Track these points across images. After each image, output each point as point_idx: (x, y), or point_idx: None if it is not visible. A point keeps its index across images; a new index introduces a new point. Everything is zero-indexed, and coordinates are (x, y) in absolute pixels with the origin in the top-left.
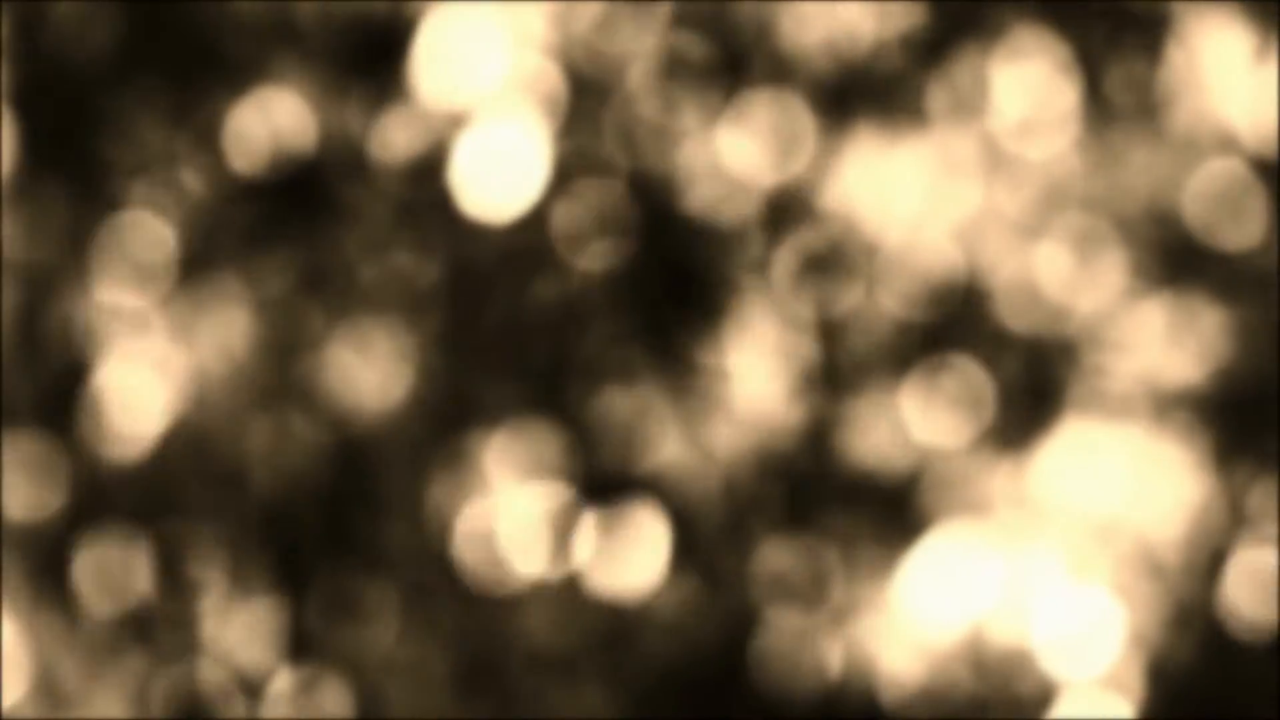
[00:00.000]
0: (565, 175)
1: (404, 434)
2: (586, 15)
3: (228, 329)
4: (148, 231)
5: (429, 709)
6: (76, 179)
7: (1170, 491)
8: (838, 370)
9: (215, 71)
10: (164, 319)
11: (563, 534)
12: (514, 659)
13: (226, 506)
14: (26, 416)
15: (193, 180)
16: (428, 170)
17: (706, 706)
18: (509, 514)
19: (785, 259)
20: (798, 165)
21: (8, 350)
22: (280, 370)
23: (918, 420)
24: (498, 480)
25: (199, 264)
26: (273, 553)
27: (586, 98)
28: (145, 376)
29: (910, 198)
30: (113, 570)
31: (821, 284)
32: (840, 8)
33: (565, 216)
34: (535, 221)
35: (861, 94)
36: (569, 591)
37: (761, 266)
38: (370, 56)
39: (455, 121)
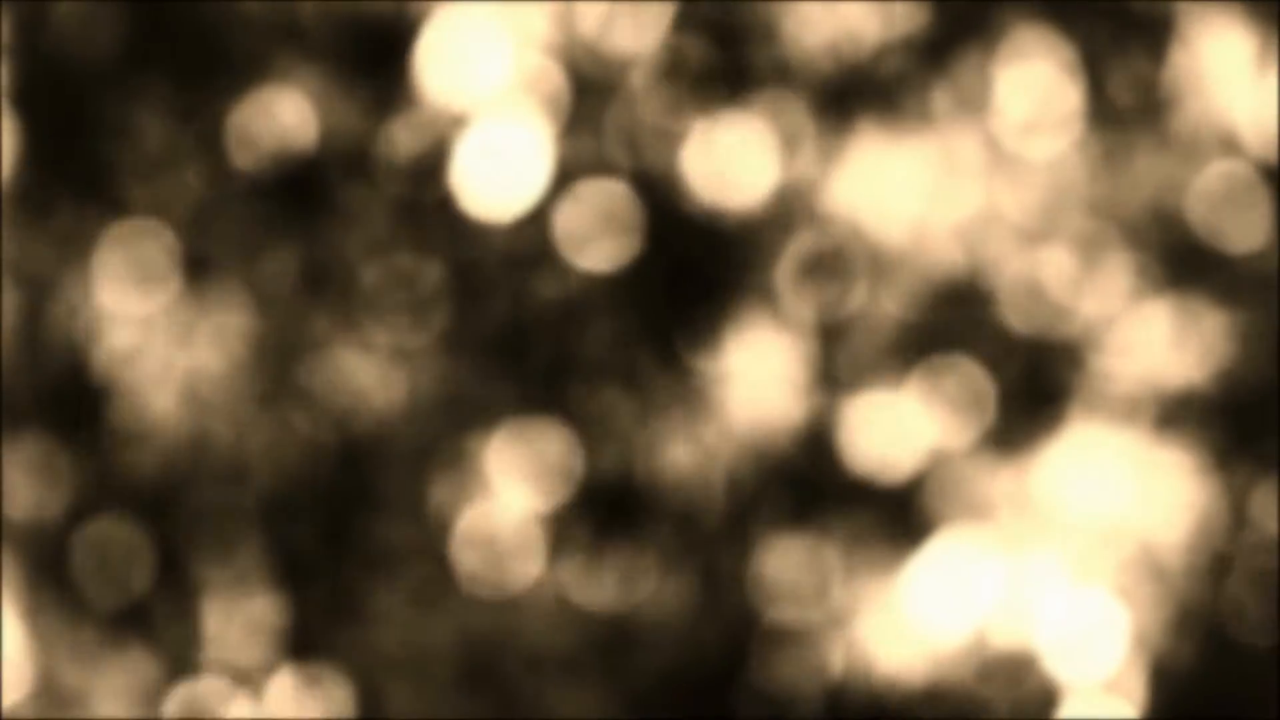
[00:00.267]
0: (567, 175)
1: (405, 434)
2: (589, 16)
3: (230, 328)
4: (150, 231)
5: (429, 708)
6: (79, 179)
7: (1173, 494)
8: (840, 371)
9: (218, 72)
10: (167, 319)
11: (563, 534)
12: (514, 659)
13: (228, 506)
14: (30, 416)
15: (195, 180)
16: (430, 170)
17: (707, 708)
18: (510, 514)
19: (788, 260)
20: (800, 166)
21: (11, 350)
22: (282, 370)
23: (920, 422)
24: (498, 480)
25: (201, 264)
26: (274, 552)
27: (589, 98)
28: (148, 376)
29: (913, 199)
30: (115, 569)
31: (824, 285)
32: (843, 8)
33: (567, 217)
34: (537, 221)
35: (864, 95)
36: (569, 592)
37: (764, 267)
38: (373, 57)
39: (457, 121)
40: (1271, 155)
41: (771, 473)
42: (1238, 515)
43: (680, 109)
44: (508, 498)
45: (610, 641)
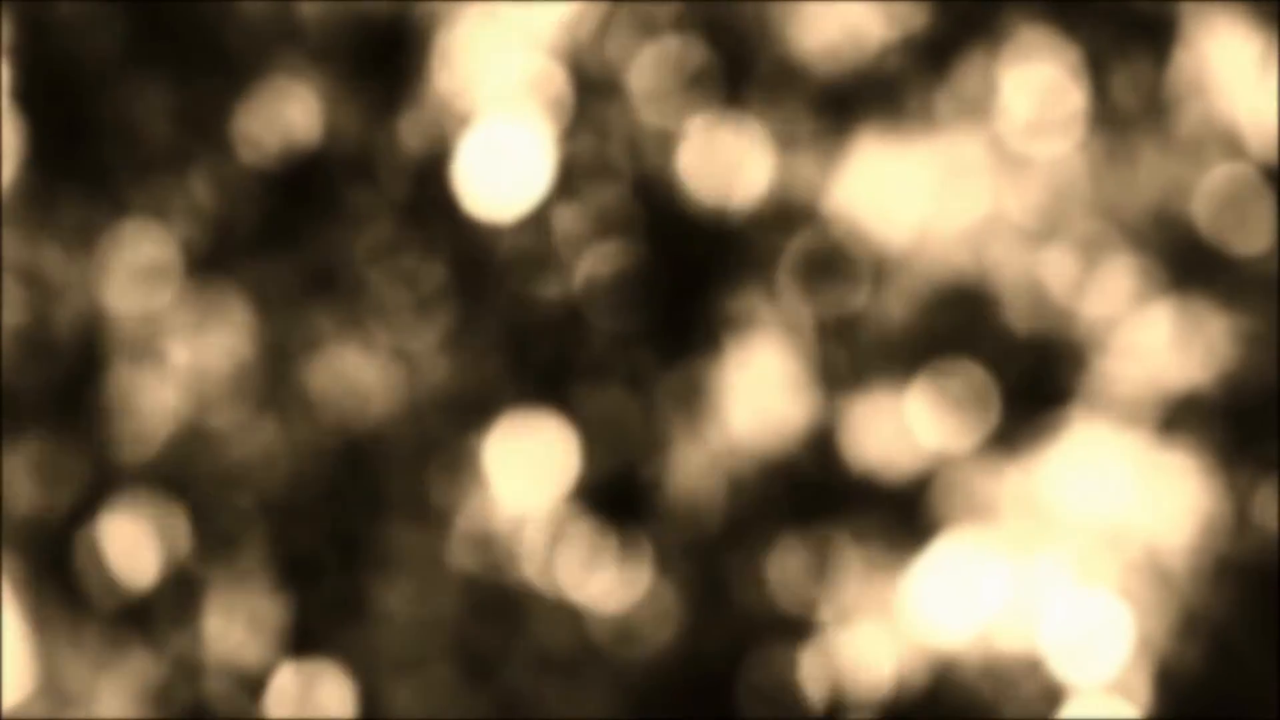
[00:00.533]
0: (570, 177)
1: (408, 434)
2: (592, 18)
3: (234, 329)
4: (154, 232)
5: (430, 707)
6: (83, 179)
7: (1177, 496)
8: (843, 373)
9: (222, 72)
10: (170, 319)
11: (565, 535)
12: (515, 658)
13: (231, 505)
14: (32, 415)
15: (199, 181)
16: (433, 171)
17: (710, 709)
18: (511, 514)
19: (791, 262)
20: (804, 168)
21: (15, 351)
22: (286, 370)
23: (924, 424)
24: (500, 480)
25: (205, 264)
26: (276, 551)
27: (592, 100)
28: (152, 376)
29: (917, 201)
30: (117, 568)
31: (827, 287)
32: (847, 10)
33: (570, 218)
34: (540, 223)
35: (868, 96)
36: (571, 591)
37: (767, 269)
38: (377, 58)
39: (461, 122)
40: (1275, 157)
41: (775, 474)
42: (1242, 517)
43: (682, 111)
44: (510, 498)
45: (612, 641)
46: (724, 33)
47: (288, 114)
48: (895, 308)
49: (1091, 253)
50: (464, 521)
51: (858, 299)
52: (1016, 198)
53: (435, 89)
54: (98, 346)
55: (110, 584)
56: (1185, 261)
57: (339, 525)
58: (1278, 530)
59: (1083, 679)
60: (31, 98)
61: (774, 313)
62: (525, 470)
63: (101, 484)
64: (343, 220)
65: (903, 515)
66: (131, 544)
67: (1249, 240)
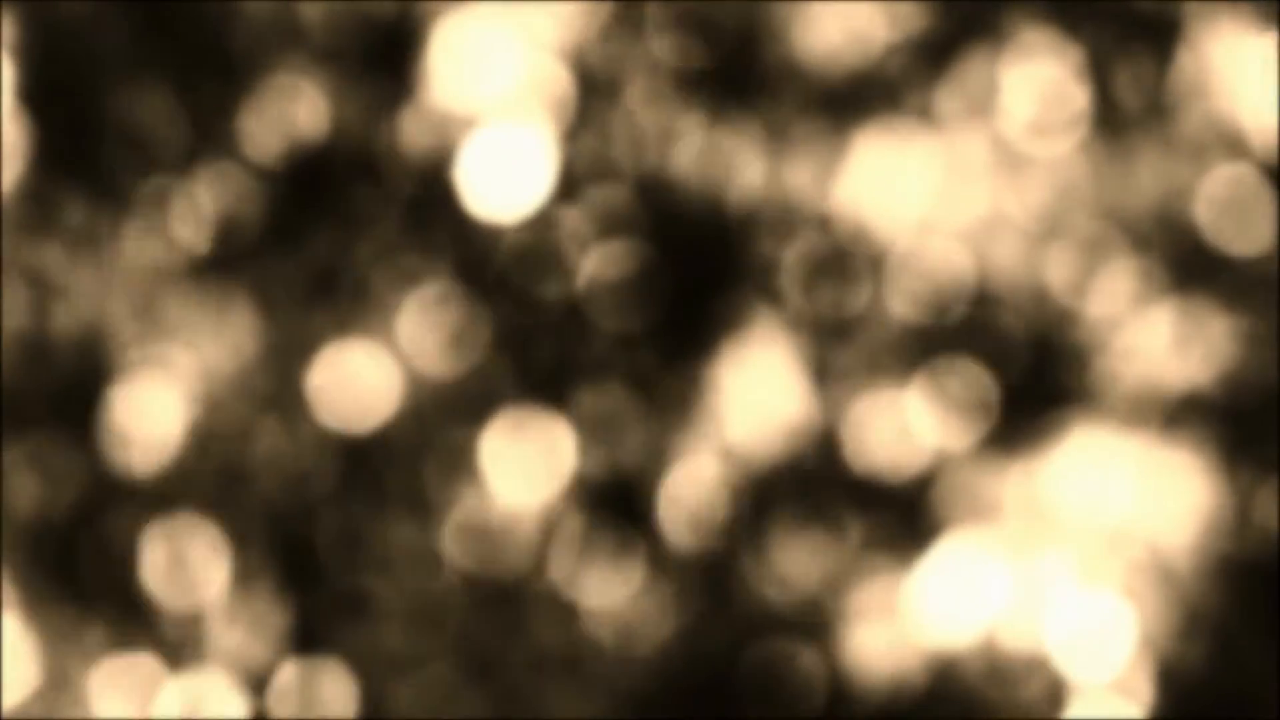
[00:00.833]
0: (573, 177)
1: (411, 434)
2: (596, 18)
3: (237, 329)
4: (157, 233)
5: (432, 706)
6: (87, 181)
7: (1179, 496)
8: (846, 373)
9: (225, 74)
10: (174, 319)
11: (568, 534)
12: (517, 657)
13: (234, 505)
14: (37, 416)
15: (203, 182)
16: (436, 172)
17: (711, 709)
18: (514, 514)
19: (793, 262)
20: (805, 168)
21: (19, 351)
22: (290, 370)
23: (926, 424)
24: (503, 480)
25: (208, 265)
26: (279, 550)
27: (595, 101)
28: (155, 377)
29: (919, 200)
30: (119, 568)
31: (830, 287)
32: (850, 10)
33: (572, 218)
34: (542, 223)
35: (869, 96)
36: (573, 591)
37: (769, 269)
38: (380, 59)
39: (464, 124)
40: (1276, 158)
41: (776, 474)
42: (1244, 516)
43: (684, 111)
44: (512, 498)
45: (613, 641)
46: (725, 33)
47: (291, 115)
48: (896, 307)
49: (1093, 253)
50: (466, 520)
51: (859, 299)
52: (1018, 198)
53: (438, 90)
54: (101, 347)
55: (112, 582)
56: (1187, 262)
57: (341, 524)
58: (1279, 529)
59: (1085, 678)
60: (35, 98)
61: (775, 312)
62: (528, 470)
63: (104, 483)
64: (346, 221)
65: (905, 515)
66: (135, 543)
67: (1250, 241)
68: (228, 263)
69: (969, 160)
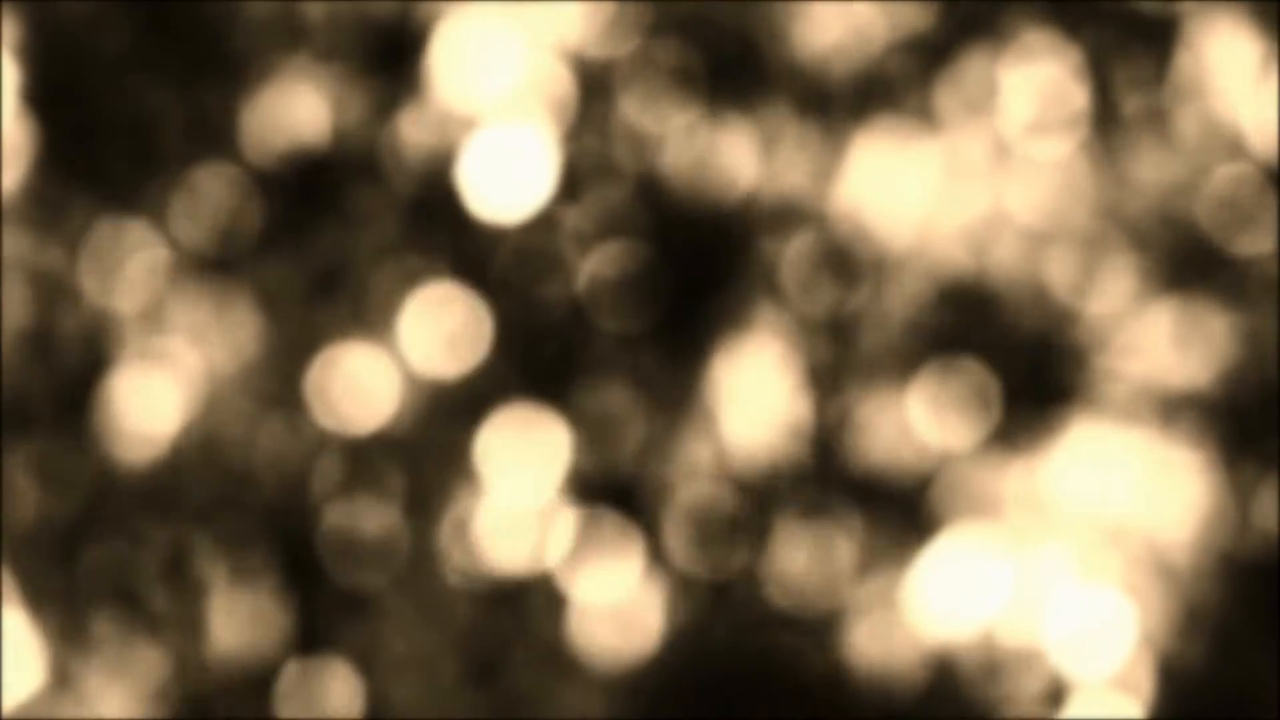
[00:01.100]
0: (574, 178)
1: (411, 434)
2: (596, 18)
3: (239, 328)
4: (159, 232)
5: (434, 705)
6: (89, 181)
7: (1179, 493)
8: (847, 372)
9: (227, 74)
10: (176, 318)
11: (570, 533)
12: (518, 656)
13: (235, 503)
14: (39, 415)
15: (205, 181)
16: (438, 172)
17: (711, 707)
18: (515, 513)
19: (794, 260)
20: (806, 168)
21: (21, 351)
22: (290, 370)
23: (927, 422)
24: (505, 479)
25: (210, 264)
26: (279, 550)
27: (595, 101)
28: (157, 376)
29: (919, 199)
30: (120, 567)
31: (830, 285)
32: (851, 10)
33: (574, 218)
34: (544, 223)
35: (871, 96)
36: (575, 589)
37: (770, 268)
38: (382, 59)
39: (465, 124)
40: (1275, 157)
41: (776, 472)
42: (1243, 513)
43: (684, 111)
44: (514, 496)
45: (614, 639)
46: (725, 33)
47: (293, 115)
48: (897, 306)
49: (1092, 251)
50: (467, 519)
51: (860, 298)
52: (1019, 197)
53: (440, 90)
54: (103, 346)
55: (114, 583)
56: (1187, 261)
57: (342, 524)
58: (1279, 527)
59: (1085, 674)
60: (37, 98)
61: (776, 312)
62: (530, 469)
63: (106, 482)
64: (347, 221)
65: (905, 512)
66: (138, 542)
67: (1249, 240)
68: (229, 262)
69: (969, 160)
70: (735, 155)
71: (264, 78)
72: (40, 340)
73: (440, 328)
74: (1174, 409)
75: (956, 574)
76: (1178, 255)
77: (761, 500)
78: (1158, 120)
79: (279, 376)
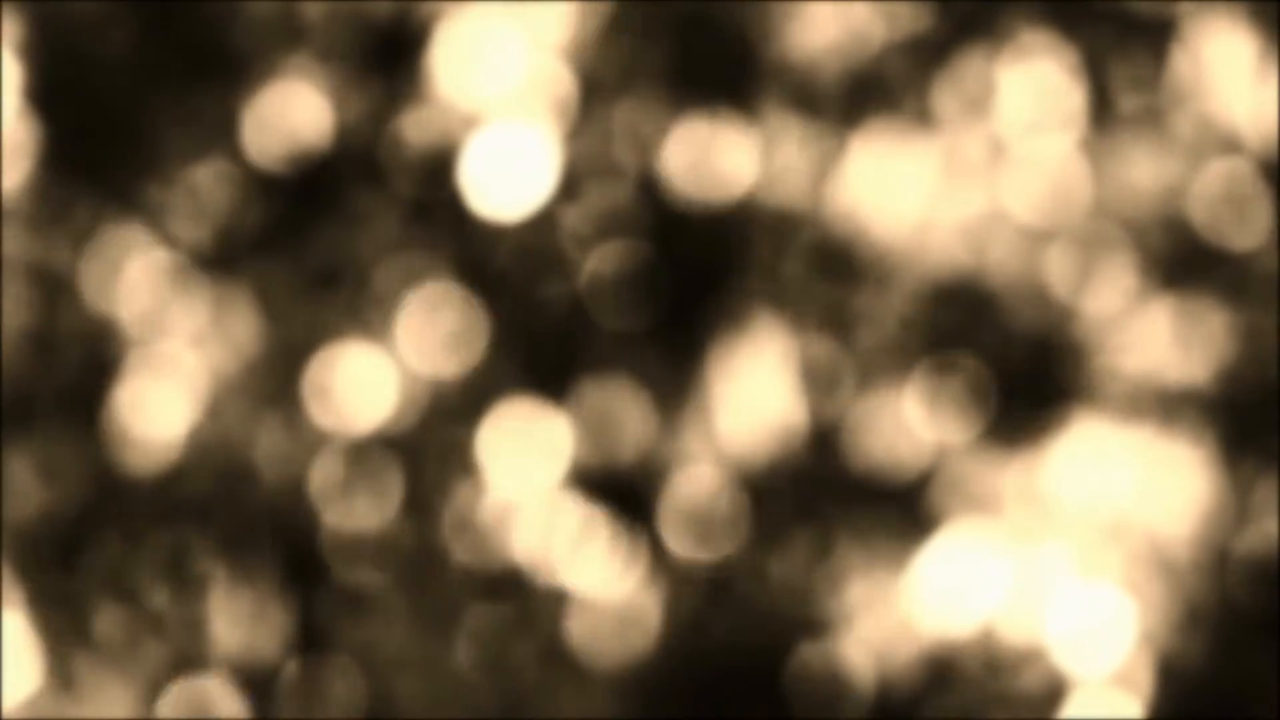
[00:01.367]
0: (575, 176)
1: (413, 432)
2: (596, 18)
3: (240, 327)
4: (160, 232)
5: (436, 703)
6: (90, 180)
7: (1178, 490)
8: (846, 370)
9: (228, 73)
10: (177, 318)
11: (571, 531)
12: (520, 653)
13: (236, 502)
14: (40, 415)
15: (206, 181)
16: (439, 171)
17: (714, 706)
18: (519, 512)
19: (793, 259)
20: (805, 166)
21: (21, 350)
22: (291, 369)
23: (926, 420)
24: (507, 479)
25: (211, 264)
26: (280, 549)
27: (597, 99)
28: (159, 375)
29: (917, 199)
30: (121, 567)
31: (829, 284)
32: (848, 10)
33: (574, 217)
34: (545, 222)
35: (869, 96)
36: (577, 588)
37: (770, 267)
38: (382, 58)
39: (467, 122)
40: (1272, 154)
41: (777, 470)
42: (1243, 510)
43: (685, 111)
44: (515, 495)
45: (619, 639)
46: (725, 32)
47: (293, 115)
48: (896, 305)
49: (1091, 250)
50: (469, 517)
51: (858, 296)
52: (1017, 195)
53: (441, 89)
54: (105, 345)
55: (114, 583)
56: (1184, 258)
57: (344, 522)
58: (1278, 523)
59: (1085, 671)
60: (39, 97)
61: (775, 310)
62: (530, 467)
63: (108, 482)
64: (347, 220)
65: (905, 510)
66: (139, 542)
67: (1247, 237)
68: (230, 262)
69: (966, 159)
70: (734, 155)
71: (264, 78)
72: (41, 339)
73: (440, 327)
74: (1173, 406)
75: (955, 572)
76: (1175, 253)
77: (761, 497)
78: (1155, 119)
79: (279, 376)
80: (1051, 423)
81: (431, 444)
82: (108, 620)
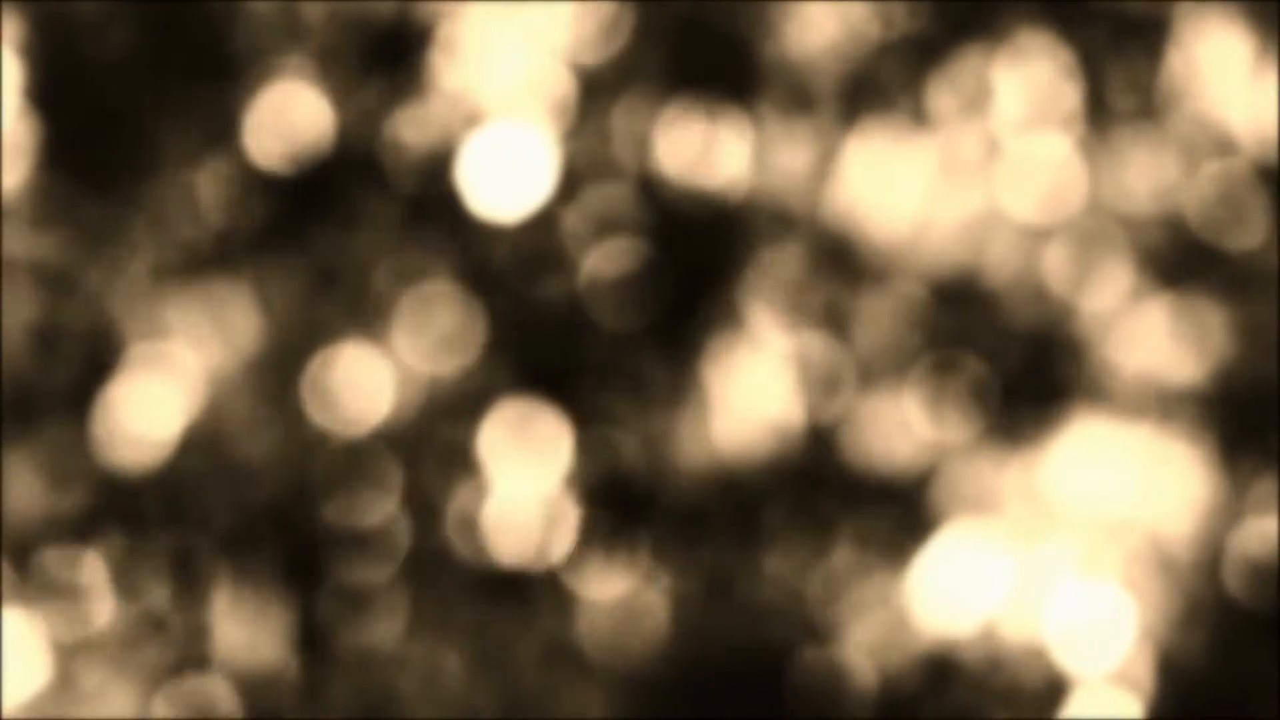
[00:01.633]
0: (573, 177)
1: (413, 431)
2: (596, 19)
3: (238, 327)
4: (161, 231)
5: (437, 703)
6: (91, 180)
7: (1178, 488)
8: (845, 369)
9: (229, 72)
10: (177, 317)
11: (571, 531)
12: (520, 653)
13: (237, 501)
14: (40, 413)
15: (206, 181)
16: (438, 171)
17: (714, 706)
18: (516, 512)
19: (792, 259)
20: (803, 166)
21: (22, 349)
22: (290, 369)
23: (926, 419)
24: (505, 478)
25: (211, 263)
26: (281, 548)
27: (596, 99)
28: (159, 375)
29: (915, 198)
30: (124, 567)
31: (828, 283)
32: (846, 10)
33: (573, 218)
34: (544, 222)
35: (866, 95)
36: (577, 587)
37: (769, 266)
38: (381, 59)
39: (465, 123)
40: (1268, 154)
41: (777, 470)
42: (1242, 508)
43: (683, 111)
44: (515, 494)
45: (618, 639)
46: (723, 33)
47: (294, 114)
48: (894, 304)
49: (1089, 248)
50: (468, 517)
51: (857, 295)
52: (1013, 195)
53: (440, 89)
54: (105, 344)
55: (118, 582)
56: (1181, 257)
57: (345, 522)
58: (1278, 521)
59: (1086, 670)
60: (40, 97)
61: (774, 309)
62: (531, 467)
63: (109, 481)
64: (346, 220)
65: (905, 509)
66: (140, 542)
67: (1243, 236)
68: (229, 261)
69: (964, 158)
70: (732, 154)
71: (264, 78)
72: (42, 338)
73: (439, 326)
74: (1172, 404)
75: (956, 570)
76: (1173, 251)
77: (760, 497)
78: (1150, 118)
79: (279, 375)
80: (1051, 421)
81: (431, 443)
82: (109, 620)
